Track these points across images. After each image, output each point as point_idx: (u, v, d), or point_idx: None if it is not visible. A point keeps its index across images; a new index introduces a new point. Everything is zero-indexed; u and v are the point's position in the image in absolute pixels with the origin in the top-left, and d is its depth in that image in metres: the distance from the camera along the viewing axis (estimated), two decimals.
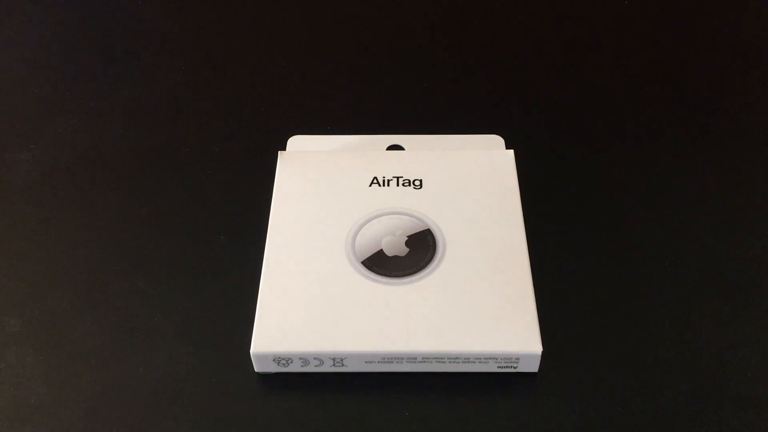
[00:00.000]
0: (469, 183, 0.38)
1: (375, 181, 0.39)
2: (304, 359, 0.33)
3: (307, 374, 0.34)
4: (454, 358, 0.33)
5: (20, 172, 0.42)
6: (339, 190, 0.38)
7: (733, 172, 0.42)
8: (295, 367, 0.33)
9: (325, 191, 0.38)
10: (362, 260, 0.35)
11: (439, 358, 0.33)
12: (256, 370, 0.34)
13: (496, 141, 0.42)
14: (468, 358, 0.33)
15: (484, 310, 0.33)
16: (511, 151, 0.40)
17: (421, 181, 0.38)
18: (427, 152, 0.40)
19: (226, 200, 0.41)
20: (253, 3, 0.53)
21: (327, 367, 0.33)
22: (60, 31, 0.51)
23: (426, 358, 0.33)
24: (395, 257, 0.35)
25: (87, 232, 0.39)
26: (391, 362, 0.33)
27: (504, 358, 0.33)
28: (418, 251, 0.36)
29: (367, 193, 0.38)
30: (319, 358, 0.33)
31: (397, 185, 0.38)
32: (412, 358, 0.33)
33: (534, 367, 0.33)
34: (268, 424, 0.32)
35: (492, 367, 0.33)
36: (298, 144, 0.42)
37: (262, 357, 0.33)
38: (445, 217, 0.37)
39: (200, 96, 0.46)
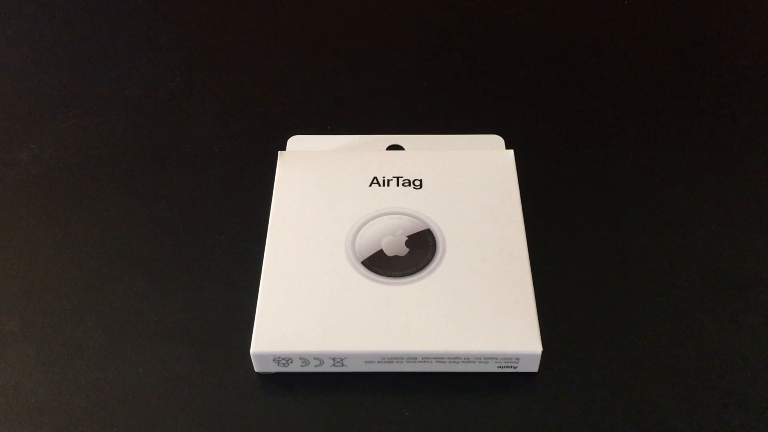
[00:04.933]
0: (469, 183, 0.38)
1: (375, 181, 0.39)
2: (304, 359, 0.33)
3: (307, 374, 0.34)
4: (454, 358, 0.33)
5: (20, 172, 0.42)
6: (339, 190, 0.38)
7: (733, 173, 0.42)
8: (295, 367, 0.33)
9: (325, 191, 0.38)
10: (362, 260, 0.35)
11: (439, 358, 0.33)
12: (256, 370, 0.34)
13: (496, 141, 0.42)
14: (468, 358, 0.33)
15: (484, 310, 0.33)
16: (511, 151, 0.40)
17: (421, 181, 0.38)
18: (427, 152, 0.40)
19: (226, 200, 0.41)
20: (253, 3, 0.53)
21: (327, 367, 0.33)
22: (60, 31, 0.51)
23: (426, 358, 0.33)
24: (395, 257, 0.35)
25: (87, 232, 0.39)
26: (391, 362, 0.33)
27: (504, 358, 0.33)
28: (418, 251, 0.36)
29: (367, 193, 0.38)
30: (319, 358, 0.33)
31: (397, 185, 0.38)
32: (412, 358, 0.33)
33: (534, 367, 0.33)
34: (268, 424, 0.32)
35: (492, 367, 0.33)
36: (298, 144, 0.42)
37: (262, 357, 0.33)
38: (445, 217, 0.37)
39: (200, 96, 0.46)
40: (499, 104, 0.46)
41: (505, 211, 0.37)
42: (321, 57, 0.49)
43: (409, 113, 0.45)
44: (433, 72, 0.48)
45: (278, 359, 0.33)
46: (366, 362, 0.33)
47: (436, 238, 0.36)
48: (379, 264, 0.35)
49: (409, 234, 0.36)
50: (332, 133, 0.43)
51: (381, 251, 0.36)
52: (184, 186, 0.41)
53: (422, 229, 0.37)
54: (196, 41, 0.50)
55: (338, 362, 0.33)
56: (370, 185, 0.38)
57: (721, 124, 0.44)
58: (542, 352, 0.32)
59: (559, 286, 0.37)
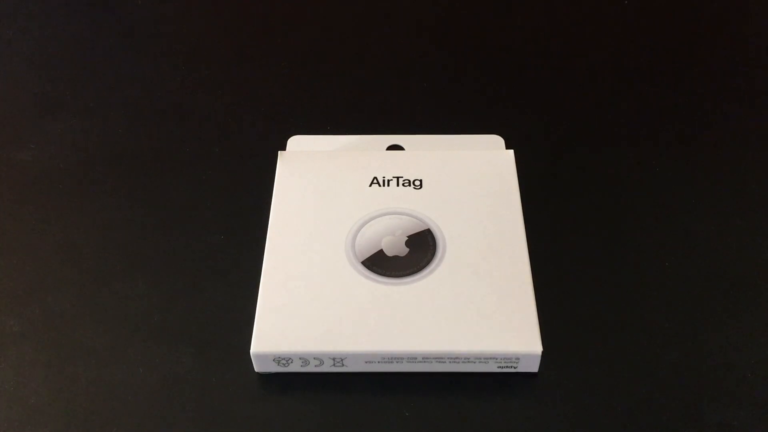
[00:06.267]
0: (469, 183, 0.38)
1: (375, 181, 0.39)
2: (304, 359, 0.33)
3: (307, 374, 0.34)
4: (454, 358, 0.33)
5: (20, 172, 0.42)
6: (339, 190, 0.38)
7: (732, 172, 0.42)
8: (295, 367, 0.33)
9: (325, 191, 0.38)
10: (362, 260, 0.35)
11: (439, 358, 0.33)
12: (256, 370, 0.34)
13: (496, 141, 0.42)
14: (468, 358, 0.33)
15: (484, 310, 0.33)
16: (511, 151, 0.40)
17: (421, 181, 0.38)
18: (427, 152, 0.40)
19: (226, 200, 0.41)
20: (254, 3, 0.53)
21: (327, 367, 0.33)
22: (60, 31, 0.51)
23: (426, 358, 0.33)
24: (395, 257, 0.35)
25: (87, 232, 0.39)
26: (391, 362, 0.33)
27: (504, 358, 0.33)
28: (418, 251, 0.36)
29: (367, 193, 0.38)
30: (319, 358, 0.33)
31: (397, 185, 0.38)
32: (412, 358, 0.33)
33: (534, 367, 0.33)
34: (268, 424, 0.32)
35: (492, 367, 0.33)
36: (298, 144, 0.42)
37: (262, 357, 0.33)
38: (445, 217, 0.37)
39: (200, 96, 0.46)
40: (499, 104, 0.46)
41: (505, 211, 0.37)
42: (321, 57, 0.49)
43: (409, 113, 0.45)
44: (433, 72, 0.48)
45: (278, 359, 0.33)
46: (366, 362, 0.33)
47: (436, 238, 0.36)
48: (379, 264, 0.35)
49: (409, 234, 0.36)
50: (332, 133, 0.43)
51: (381, 251, 0.36)
52: (184, 186, 0.41)
53: (422, 229, 0.37)
54: (196, 41, 0.50)
55: (338, 362, 0.33)
56: (370, 185, 0.38)
57: (721, 124, 0.44)
58: (542, 352, 0.32)
59: (559, 286, 0.37)
